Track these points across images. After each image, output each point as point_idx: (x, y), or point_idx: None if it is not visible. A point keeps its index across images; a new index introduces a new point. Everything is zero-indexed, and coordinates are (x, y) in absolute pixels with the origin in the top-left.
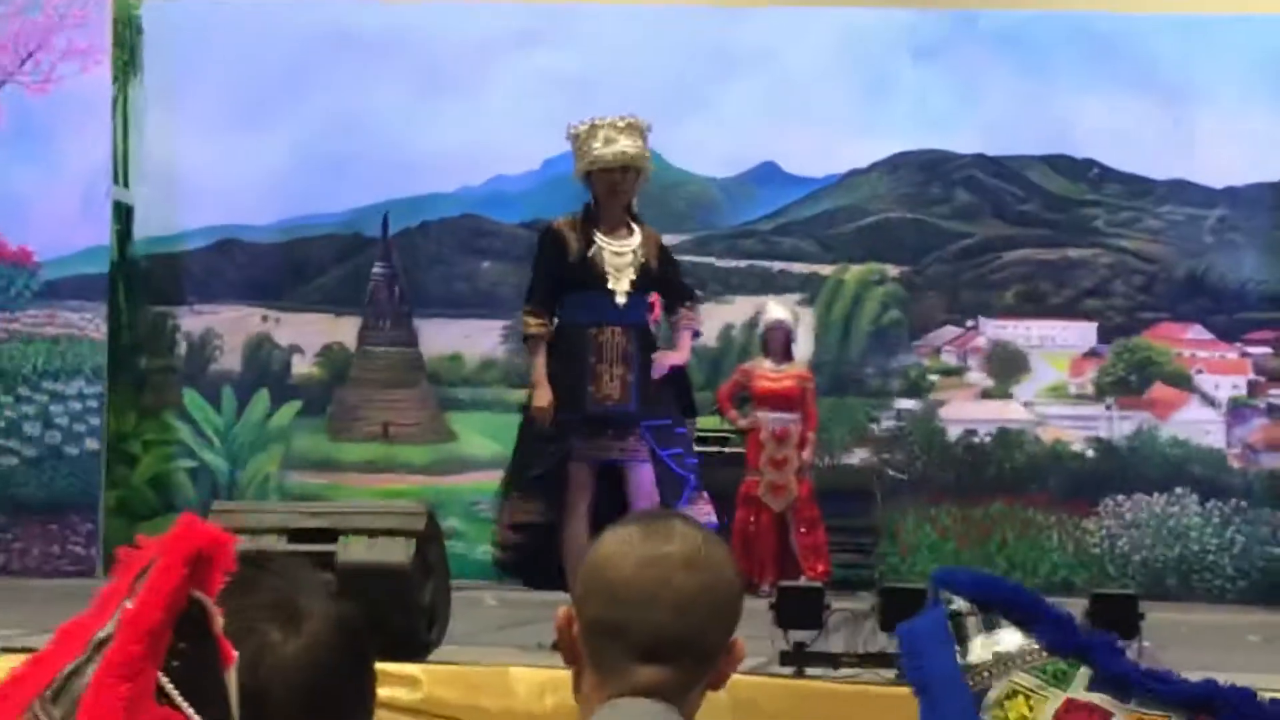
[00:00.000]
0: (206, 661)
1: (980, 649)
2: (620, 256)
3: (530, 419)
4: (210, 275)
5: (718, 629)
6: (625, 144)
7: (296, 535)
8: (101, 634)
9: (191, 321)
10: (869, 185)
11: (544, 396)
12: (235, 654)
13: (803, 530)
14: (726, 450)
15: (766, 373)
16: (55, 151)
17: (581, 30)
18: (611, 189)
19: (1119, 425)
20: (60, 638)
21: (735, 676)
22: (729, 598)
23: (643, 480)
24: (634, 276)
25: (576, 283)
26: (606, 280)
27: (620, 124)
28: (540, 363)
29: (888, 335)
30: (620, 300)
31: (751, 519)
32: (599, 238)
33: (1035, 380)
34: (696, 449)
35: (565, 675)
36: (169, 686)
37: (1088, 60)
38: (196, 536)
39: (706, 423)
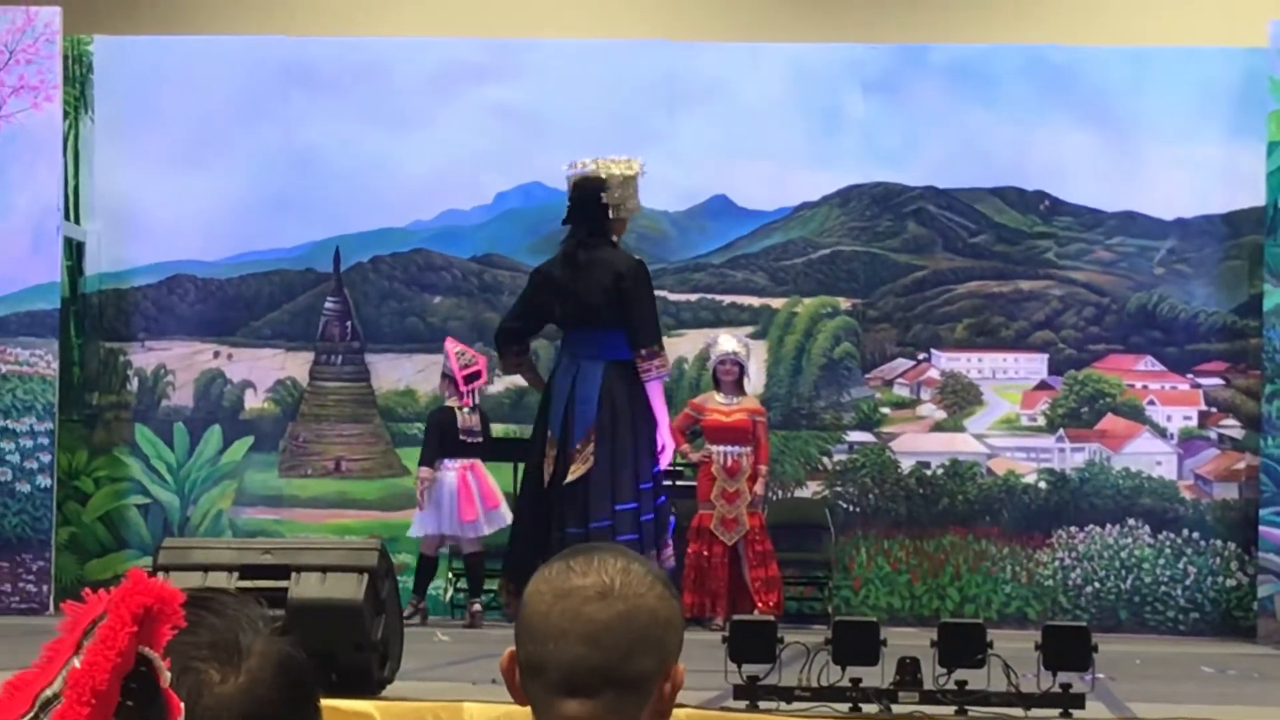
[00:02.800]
0: (153, 718)
1: None
2: None
3: None
4: (161, 311)
5: (643, 658)
6: None
7: (248, 572)
8: (49, 692)
9: (143, 358)
10: (820, 218)
11: None
12: (181, 705)
13: (755, 564)
14: (678, 484)
15: (718, 406)
16: (5, 187)
17: (533, 65)
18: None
19: (1071, 457)
20: (7, 693)
21: (688, 710)
22: (650, 626)
23: None
24: None
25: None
26: None
27: None
28: None
29: (839, 368)
30: None
31: (704, 552)
32: None
33: (987, 412)
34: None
35: (519, 710)
36: None
37: (1037, 92)
38: (145, 593)
39: None
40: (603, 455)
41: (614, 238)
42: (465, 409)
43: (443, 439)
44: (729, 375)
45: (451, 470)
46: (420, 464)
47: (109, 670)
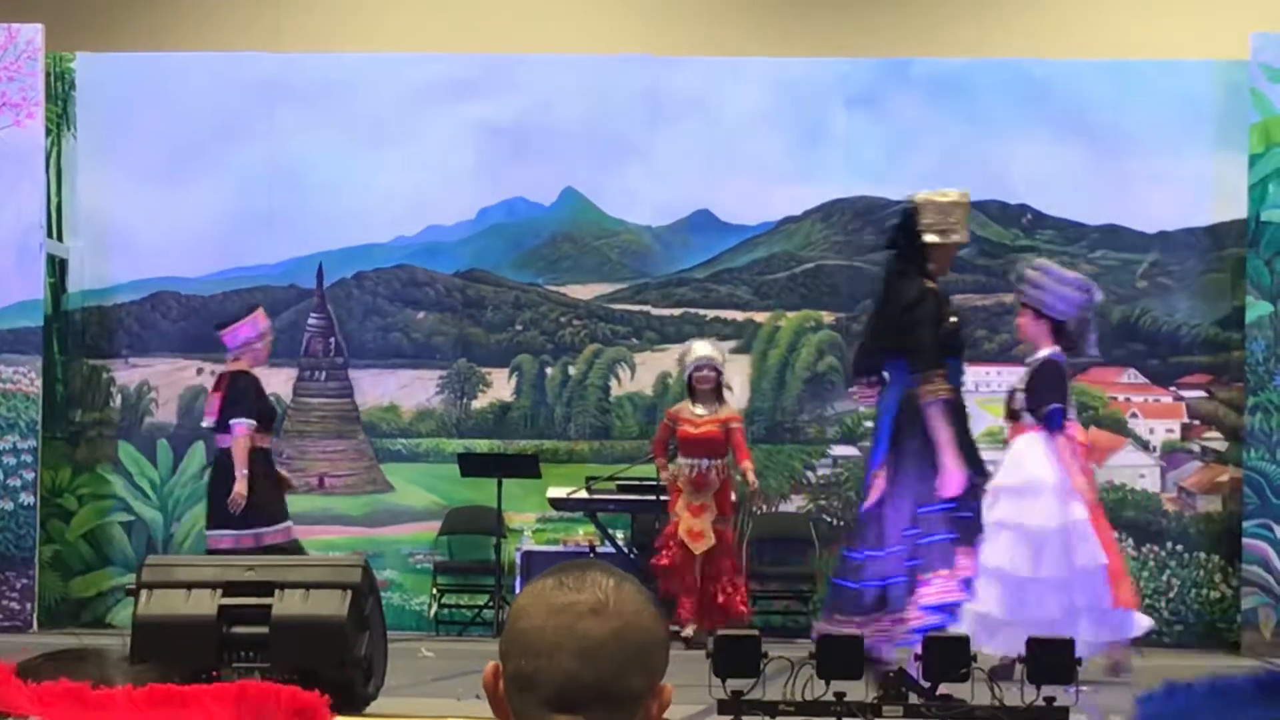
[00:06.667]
0: None
1: None
2: None
3: None
4: (145, 328)
5: (634, 675)
6: None
7: (232, 589)
8: None
9: (126, 374)
10: (803, 232)
11: None
12: None
13: (724, 578)
14: (661, 499)
15: (691, 418)
16: None
17: (515, 80)
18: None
19: None
20: None
21: None
22: (643, 643)
23: None
24: None
25: (949, 351)
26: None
27: None
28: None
29: (823, 382)
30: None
31: (672, 561)
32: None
33: (971, 425)
34: (631, 496)
35: None
36: None
37: (1020, 106)
38: None
39: (643, 470)
40: (890, 482)
41: (930, 265)
42: None
43: None
44: (705, 384)
45: None
46: None
47: None
